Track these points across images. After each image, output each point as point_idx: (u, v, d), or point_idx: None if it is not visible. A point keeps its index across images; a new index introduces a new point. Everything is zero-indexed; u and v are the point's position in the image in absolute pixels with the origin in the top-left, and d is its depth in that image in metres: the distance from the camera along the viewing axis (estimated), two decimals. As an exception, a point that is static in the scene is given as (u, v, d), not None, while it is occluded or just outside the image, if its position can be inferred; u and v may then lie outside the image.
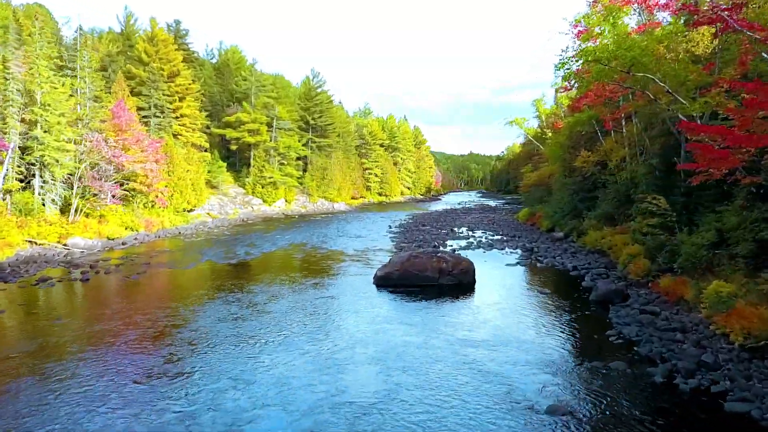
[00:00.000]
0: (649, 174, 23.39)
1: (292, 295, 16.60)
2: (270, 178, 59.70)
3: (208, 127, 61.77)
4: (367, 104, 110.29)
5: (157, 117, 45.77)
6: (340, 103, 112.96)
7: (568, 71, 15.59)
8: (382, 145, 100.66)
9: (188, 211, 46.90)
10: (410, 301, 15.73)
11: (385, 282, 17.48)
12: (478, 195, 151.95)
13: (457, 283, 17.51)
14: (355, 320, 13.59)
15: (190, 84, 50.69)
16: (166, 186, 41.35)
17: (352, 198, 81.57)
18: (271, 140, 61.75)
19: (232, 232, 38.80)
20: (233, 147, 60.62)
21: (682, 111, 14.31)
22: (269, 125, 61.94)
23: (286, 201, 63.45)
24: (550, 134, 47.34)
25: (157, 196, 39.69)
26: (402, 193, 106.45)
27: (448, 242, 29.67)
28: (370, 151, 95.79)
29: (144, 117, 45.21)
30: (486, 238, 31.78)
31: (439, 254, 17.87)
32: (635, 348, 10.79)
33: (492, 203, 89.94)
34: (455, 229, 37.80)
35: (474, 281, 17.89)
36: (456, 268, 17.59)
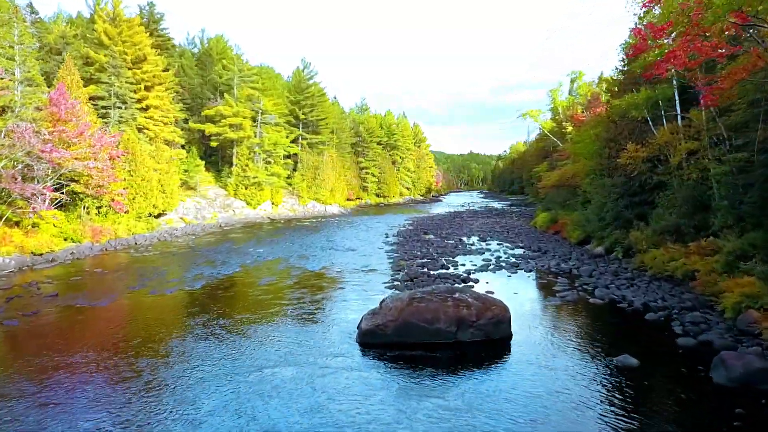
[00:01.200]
0: (725, 174, 17.44)
1: (223, 365, 10.48)
2: (254, 178, 53.58)
3: (186, 122, 55.81)
4: (364, 99, 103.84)
5: (119, 108, 39.60)
6: (335, 98, 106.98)
7: (667, 8, 9.56)
8: (379, 143, 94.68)
9: (156, 216, 40.86)
10: (413, 378, 9.64)
11: (374, 339, 11.37)
12: (480, 195, 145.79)
13: (485, 339, 11.43)
14: (313, 438, 7.47)
15: (160, 71, 44.51)
16: (125, 188, 35.34)
17: (347, 199, 75.54)
18: (255, 136, 55.65)
19: (200, 242, 32.67)
20: (213, 143, 54.51)
21: None
22: (254, 119, 55.83)
23: (272, 203, 57.36)
24: (570, 128, 41.26)
25: (113, 200, 33.64)
26: (401, 194, 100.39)
27: (459, 258, 23.58)
28: (366, 149, 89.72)
29: (103, 108, 39.10)
30: (505, 252, 25.67)
31: (456, 295, 11.75)
32: None
33: (497, 205, 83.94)
34: (464, 239, 31.67)
35: (510, 335, 11.81)
36: (482, 316, 11.49)
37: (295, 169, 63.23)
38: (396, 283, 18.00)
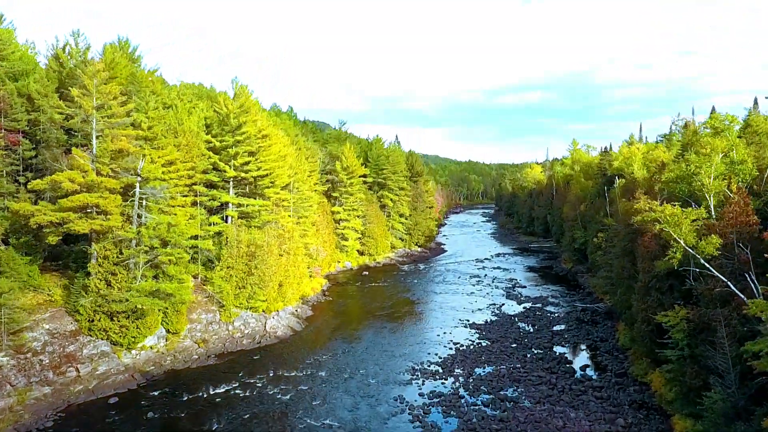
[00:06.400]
0: None
1: None
2: (125, 302, 29.52)
3: (14, 195, 32.03)
4: (344, 124, 79.78)
5: None
6: (305, 119, 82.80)
7: None
8: (364, 182, 70.85)
9: None
10: None
11: None
12: (490, 230, 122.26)
13: None
14: None
15: None
16: None
17: (310, 276, 51.24)
18: (132, 222, 31.58)
19: None
20: (51, 240, 30.35)
21: None
22: (127, 192, 31.77)
23: (168, 332, 33.32)
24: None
25: None
26: (392, 247, 76.51)
27: None
28: (344, 194, 65.73)
29: None
30: None
31: None
32: None
33: (526, 282, 59.97)
34: None
35: None
36: None
37: (219, 259, 39.07)
38: None
